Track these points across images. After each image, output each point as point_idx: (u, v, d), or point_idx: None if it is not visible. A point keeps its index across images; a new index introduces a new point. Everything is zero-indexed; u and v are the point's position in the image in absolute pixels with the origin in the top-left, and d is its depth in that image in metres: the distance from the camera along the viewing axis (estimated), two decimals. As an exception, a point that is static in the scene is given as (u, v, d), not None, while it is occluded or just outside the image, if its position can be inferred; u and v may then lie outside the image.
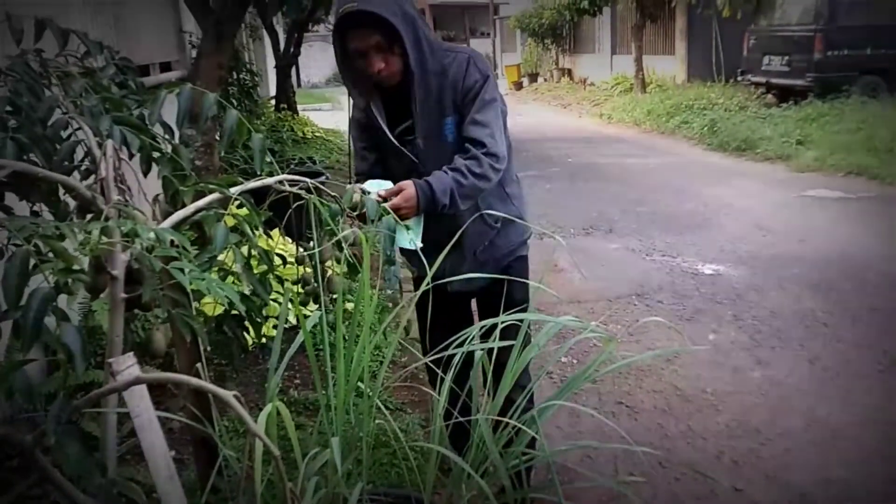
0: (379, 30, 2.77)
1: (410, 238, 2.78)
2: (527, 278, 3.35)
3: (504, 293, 2.99)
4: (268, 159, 2.00)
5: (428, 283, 2.42)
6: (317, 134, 14.23)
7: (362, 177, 3.20)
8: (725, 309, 6.30)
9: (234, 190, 1.88)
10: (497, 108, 3.05)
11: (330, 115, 20.09)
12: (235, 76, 11.39)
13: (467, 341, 2.32)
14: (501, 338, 2.33)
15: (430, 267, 2.69)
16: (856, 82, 15.75)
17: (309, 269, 2.40)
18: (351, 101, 3.27)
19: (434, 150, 3.03)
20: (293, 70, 16.05)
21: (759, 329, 5.84)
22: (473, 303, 3.48)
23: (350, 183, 2.89)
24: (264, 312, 2.27)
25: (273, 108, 14.66)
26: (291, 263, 2.60)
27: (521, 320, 2.44)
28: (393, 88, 2.99)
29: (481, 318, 2.58)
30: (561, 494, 2.15)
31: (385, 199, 2.71)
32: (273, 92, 15.59)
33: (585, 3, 25.45)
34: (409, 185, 2.84)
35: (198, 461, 2.62)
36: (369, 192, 2.66)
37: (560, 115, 22.28)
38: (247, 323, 2.11)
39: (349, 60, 2.93)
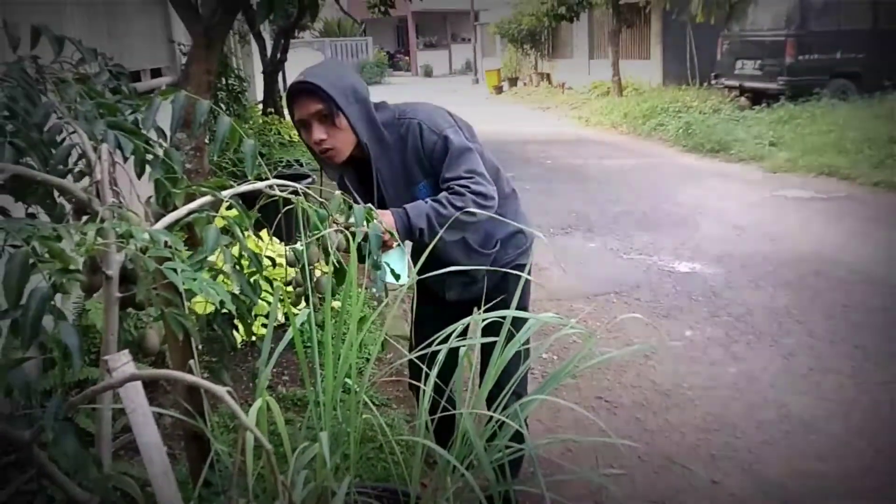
0: (320, 100, 2.78)
1: (398, 267, 2.79)
2: (527, 287, 3.29)
3: (503, 299, 2.88)
4: (258, 163, 2.00)
5: (417, 284, 2.43)
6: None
7: None
8: (701, 306, 6.33)
9: (225, 193, 1.89)
10: (470, 152, 3.00)
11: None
12: (224, 81, 11.36)
13: (451, 338, 2.33)
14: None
15: (429, 282, 2.71)
16: (826, 85, 15.93)
17: (298, 272, 2.40)
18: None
19: None
20: (280, 75, 16.00)
21: (734, 325, 5.87)
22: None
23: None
24: (253, 312, 2.27)
25: (260, 112, 14.63)
26: (280, 265, 2.60)
27: (506, 325, 2.45)
28: (362, 161, 2.99)
29: (483, 326, 2.54)
30: (544, 486, 2.16)
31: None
32: (260, 96, 15.54)
33: (563, 10, 25.54)
34: (385, 213, 2.84)
35: (190, 455, 2.62)
36: None
37: (539, 119, 22.30)
38: (236, 321, 2.12)
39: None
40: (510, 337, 2.42)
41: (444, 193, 2.90)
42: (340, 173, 3.09)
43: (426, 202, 2.89)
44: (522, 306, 3.09)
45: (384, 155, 2.96)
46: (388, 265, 2.76)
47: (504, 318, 2.43)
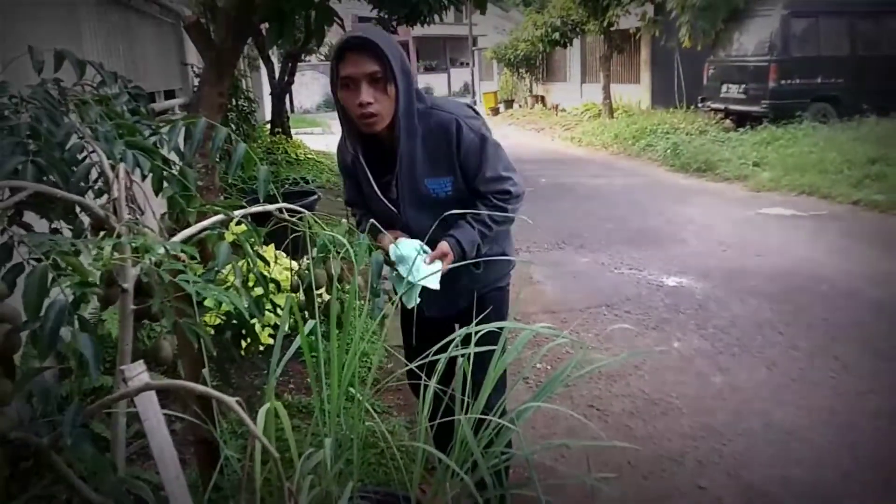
0: (378, 62, 2.60)
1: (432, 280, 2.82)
2: (505, 307, 3.24)
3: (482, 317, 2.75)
4: (270, 189, 2.01)
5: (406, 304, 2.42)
6: (309, 156, 14.24)
7: (356, 207, 3.19)
8: (688, 319, 6.33)
9: (236, 213, 1.90)
10: (500, 149, 2.95)
11: (321, 138, 20.04)
12: (234, 103, 11.40)
13: (448, 350, 2.32)
14: (481, 352, 2.33)
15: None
16: (807, 109, 16.03)
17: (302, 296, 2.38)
18: (339, 142, 3.10)
19: (418, 204, 2.91)
20: (287, 97, 16.05)
21: (719, 337, 5.86)
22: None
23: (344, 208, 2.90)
24: (260, 324, 2.27)
25: (269, 132, 14.69)
26: (285, 288, 2.59)
27: (500, 330, 2.44)
28: (381, 141, 2.83)
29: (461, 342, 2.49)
30: (539, 490, 2.16)
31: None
32: (269, 117, 15.61)
33: (557, 36, 25.75)
34: (447, 248, 2.82)
35: (200, 461, 2.62)
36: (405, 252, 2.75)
37: (534, 139, 22.32)
38: (244, 331, 2.12)
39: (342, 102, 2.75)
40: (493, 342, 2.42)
41: (484, 210, 2.87)
42: (356, 149, 2.86)
43: (473, 226, 2.87)
44: (501, 318, 3.04)
45: (410, 139, 2.79)
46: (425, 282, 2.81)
47: (500, 329, 2.43)
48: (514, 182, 2.93)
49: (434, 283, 2.79)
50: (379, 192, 2.91)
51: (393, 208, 2.93)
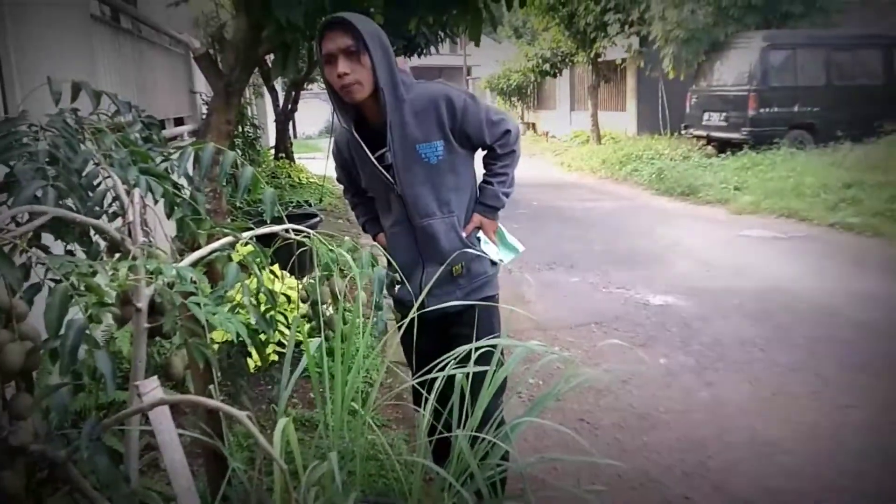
0: (350, 36, 2.72)
1: (509, 246, 3.29)
2: (496, 319, 3.20)
3: (476, 323, 2.85)
4: (276, 210, 2.01)
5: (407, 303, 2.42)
6: (311, 179, 14.26)
7: (358, 204, 3.43)
8: (674, 336, 6.32)
9: (244, 235, 1.90)
10: (483, 103, 3.08)
11: (323, 162, 20.09)
12: (241, 129, 11.43)
13: (448, 367, 2.32)
14: (477, 364, 2.33)
15: (413, 288, 2.72)
16: (785, 135, 16.19)
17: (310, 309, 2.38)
18: (331, 142, 3.29)
19: (412, 171, 2.97)
20: (290, 123, 16.08)
21: (704, 354, 5.86)
22: None
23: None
24: (268, 339, 2.27)
25: (273, 157, 14.73)
26: (293, 301, 2.59)
27: (495, 346, 2.45)
28: (372, 121, 2.95)
29: (456, 345, 2.49)
30: (532, 502, 2.15)
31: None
32: (273, 142, 15.66)
33: (547, 66, 25.95)
34: (477, 220, 3.13)
35: (209, 472, 2.61)
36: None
37: (525, 164, 22.26)
38: (251, 349, 2.12)
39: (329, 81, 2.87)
40: (487, 360, 2.42)
41: (494, 166, 3.11)
42: (349, 126, 2.97)
43: (492, 185, 3.10)
44: (493, 330, 3.06)
45: (398, 108, 2.89)
46: (508, 247, 3.26)
47: (494, 346, 2.43)
48: (507, 119, 3.09)
49: (500, 255, 3.21)
50: (374, 160, 2.98)
51: (388, 178, 2.99)
